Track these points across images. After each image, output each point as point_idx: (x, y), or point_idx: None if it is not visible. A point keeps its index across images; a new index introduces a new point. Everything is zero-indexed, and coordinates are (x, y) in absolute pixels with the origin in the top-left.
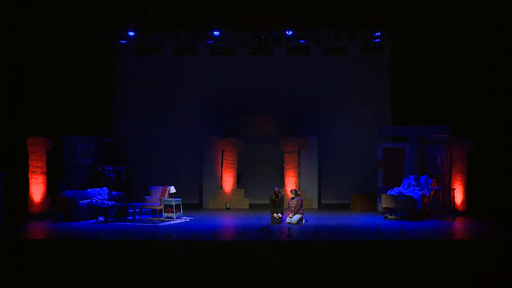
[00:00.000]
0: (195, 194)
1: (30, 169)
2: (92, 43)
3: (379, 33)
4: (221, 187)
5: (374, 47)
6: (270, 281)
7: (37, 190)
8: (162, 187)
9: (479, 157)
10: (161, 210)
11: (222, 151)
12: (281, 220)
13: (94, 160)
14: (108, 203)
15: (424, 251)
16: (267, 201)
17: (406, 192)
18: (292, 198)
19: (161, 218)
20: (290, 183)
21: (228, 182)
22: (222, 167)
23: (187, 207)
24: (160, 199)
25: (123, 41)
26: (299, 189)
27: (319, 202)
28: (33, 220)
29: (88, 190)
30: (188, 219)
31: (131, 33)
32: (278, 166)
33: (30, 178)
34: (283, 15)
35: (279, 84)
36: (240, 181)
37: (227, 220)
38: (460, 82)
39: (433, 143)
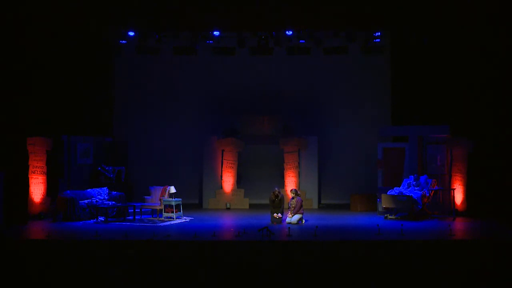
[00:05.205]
0: (195, 194)
1: (30, 169)
2: (92, 43)
3: (379, 33)
4: (221, 187)
5: (374, 47)
6: (270, 281)
7: (37, 190)
8: (162, 187)
9: (479, 157)
10: (161, 210)
11: (222, 151)
12: (281, 220)
13: (94, 160)
14: (108, 203)
15: (424, 251)
16: (267, 201)
17: (406, 192)
18: (292, 198)
19: (161, 218)
20: (290, 183)
21: (228, 182)
22: (222, 167)
23: (187, 207)
24: (160, 199)
25: (123, 41)
26: (299, 189)
27: (319, 202)
28: (33, 220)
29: (88, 190)
30: (188, 219)
31: (131, 33)
32: (278, 166)
33: (30, 178)
34: (283, 15)
35: (279, 84)
36: (240, 181)
37: (227, 220)
38: (460, 82)
39: (433, 143)
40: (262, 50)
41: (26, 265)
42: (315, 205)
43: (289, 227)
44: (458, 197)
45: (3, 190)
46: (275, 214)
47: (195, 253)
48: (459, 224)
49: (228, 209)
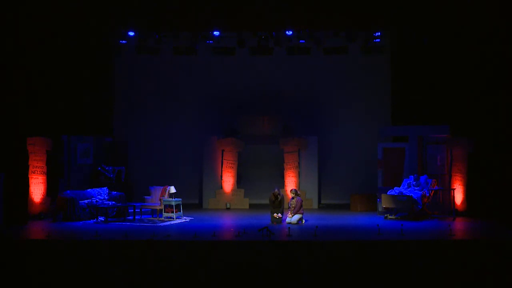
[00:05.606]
0: (195, 194)
1: (30, 169)
2: (92, 43)
3: (379, 33)
4: (221, 187)
5: (374, 47)
6: (270, 281)
7: (37, 190)
8: (162, 187)
9: (479, 157)
10: (161, 210)
11: (222, 151)
12: (281, 220)
13: (94, 160)
14: (108, 203)
15: (424, 251)
16: (267, 201)
17: (406, 192)
18: (292, 198)
19: (161, 218)
20: (290, 183)
21: (228, 182)
22: (222, 167)
23: (187, 207)
24: (160, 199)
25: (123, 41)
26: (299, 189)
27: (319, 202)
28: (33, 220)
29: (88, 190)
30: (188, 219)
31: (131, 33)
32: (278, 166)
33: (30, 178)
34: (283, 15)
35: (279, 84)
36: (240, 181)
37: (227, 220)
38: (460, 82)
39: (433, 143)
40: (262, 50)
41: (26, 265)
42: (315, 205)
43: (289, 227)
44: (458, 197)
45: (3, 190)
46: (275, 214)
47: (195, 253)
48: (459, 224)
49: (228, 209)
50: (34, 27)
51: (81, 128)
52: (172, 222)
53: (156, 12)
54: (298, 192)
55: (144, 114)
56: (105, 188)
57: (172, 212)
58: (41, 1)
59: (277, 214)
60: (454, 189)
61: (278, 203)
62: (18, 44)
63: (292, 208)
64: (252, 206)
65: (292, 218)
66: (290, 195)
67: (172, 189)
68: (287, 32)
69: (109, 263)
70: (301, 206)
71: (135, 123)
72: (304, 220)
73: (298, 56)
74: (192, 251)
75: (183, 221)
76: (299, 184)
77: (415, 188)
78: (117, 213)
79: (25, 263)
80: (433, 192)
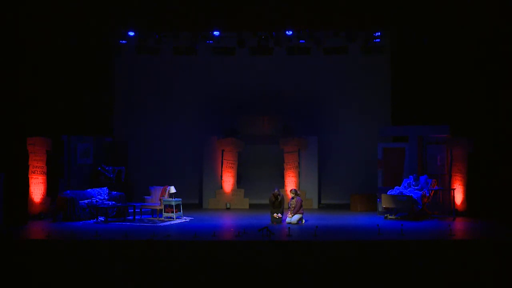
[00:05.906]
0: (195, 194)
1: (30, 169)
2: (92, 43)
3: (379, 33)
4: (221, 187)
5: (374, 47)
6: (270, 281)
7: (37, 190)
8: (162, 187)
9: (479, 157)
10: (161, 210)
11: (222, 151)
12: (281, 220)
13: (94, 160)
14: (108, 203)
15: (424, 251)
16: (267, 201)
17: (406, 192)
18: (292, 198)
19: (161, 218)
20: (290, 183)
21: (228, 182)
22: (222, 167)
23: (187, 207)
24: (160, 199)
25: (123, 41)
26: (299, 189)
27: (319, 202)
28: (33, 220)
29: (88, 190)
30: (188, 219)
31: (131, 33)
32: (278, 166)
33: (30, 178)
34: (283, 15)
35: (279, 84)
36: (240, 181)
37: (227, 220)
38: (460, 82)
39: (433, 143)
40: (262, 50)
41: (26, 265)
42: (315, 205)
43: (289, 227)
44: (458, 197)
45: (3, 190)
46: (275, 214)
47: (195, 253)
48: (459, 224)
49: (228, 209)
50: (34, 27)
51: (81, 128)
52: (172, 222)
53: (156, 12)
54: (298, 192)
55: (144, 114)
56: (105, 188)
57: (172, 212)
58: (41, 1)
59: (277, 214)
60: (454, 189)
61: (278, 204)
62: (19, 44)
63: (292, 208)
64: (252, 206)
65: (292, 218)
66: (290, 195)
67: (172, 189)
68: (287, 32)
69: (109, 263)
70: (301, 206)
71: (135, 123)
72: (304, 220)
73: (298, 56)
74: (192, 251)
75: (183, 221)
76: (299, 184)
77: (415, 188)
78: (117, 213)
79: (25, 263)
80: (433, 192)
